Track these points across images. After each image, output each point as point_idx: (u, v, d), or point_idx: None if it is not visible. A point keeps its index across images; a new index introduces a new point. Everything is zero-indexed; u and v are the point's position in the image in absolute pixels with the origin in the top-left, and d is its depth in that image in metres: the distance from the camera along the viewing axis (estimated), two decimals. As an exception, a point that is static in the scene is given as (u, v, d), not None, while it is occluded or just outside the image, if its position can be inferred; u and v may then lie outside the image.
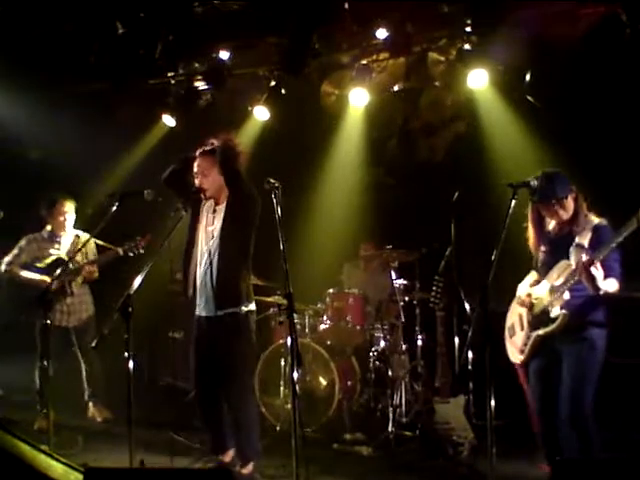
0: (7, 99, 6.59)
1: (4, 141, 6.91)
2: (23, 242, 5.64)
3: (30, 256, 5.57)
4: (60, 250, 5.63)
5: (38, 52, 6.18)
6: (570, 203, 3.73)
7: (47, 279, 5.40)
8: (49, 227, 5.67)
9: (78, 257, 5.57)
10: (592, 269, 3.43)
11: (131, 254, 5.41)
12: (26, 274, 5.51)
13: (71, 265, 5.48)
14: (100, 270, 5.60)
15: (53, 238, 5.65)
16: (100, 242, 5.66)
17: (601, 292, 3.49)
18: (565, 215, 3.75)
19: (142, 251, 5.43)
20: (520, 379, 4.02)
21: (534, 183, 3.54)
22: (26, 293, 5.43)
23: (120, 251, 5.41)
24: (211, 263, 4.20)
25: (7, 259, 5.57)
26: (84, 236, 5.69)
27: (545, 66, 5.24)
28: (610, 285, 3.53)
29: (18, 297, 5.52)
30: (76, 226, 5.78)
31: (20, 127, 6.84)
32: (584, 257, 3.47)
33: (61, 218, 5.60)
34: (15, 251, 5.60)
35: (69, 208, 5.62)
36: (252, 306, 4.28)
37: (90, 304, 5.77)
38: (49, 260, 5.56)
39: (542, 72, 5.27)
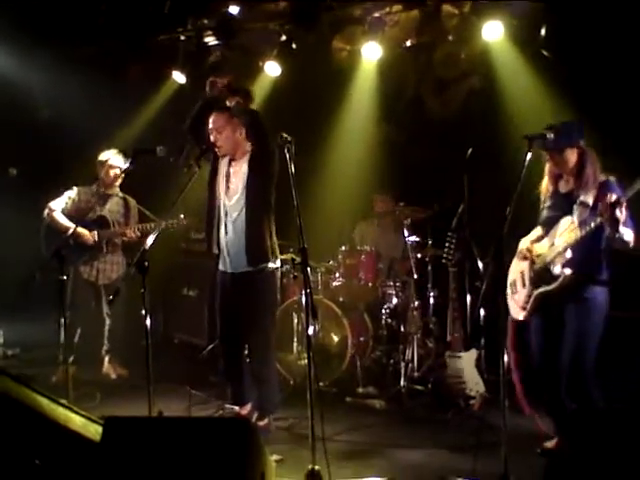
0: (18, 60, 6.57)
1: (16, 101, 6.90)
2: (72, 193, 5.68)
3: (75, 207, 5.62)
4: (105, 208, 5.67)
5: (47, 12, 6.13)
6: (572, 155, 3.64)
7: (86, 232, 5.49)
8: (98, 183, 5.69)
9: (122, 220, 5.68)
10: (617, 211, 3.25)
11: (171, 229, 5.50)
12: (65, 222, 5.52)
13: (113, 226, 5.61)
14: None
15: (100, 195, 5.69)
16: (146, 211, 5.78)
17: (617, 235, 3.34)
18: (567, 167, 3.66)
19: (176, 227, 5.54)
20: (509, 335, 4.01)
21: (550, 135, 3.48)
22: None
23: (163, 224, 5.34)
24: (236, 220, 4.23)
25: (52, 204, 5.60)
26: (131, 201, 5.81)
27: (561, 17, 5.13)
28: (627, 234, 3.40)
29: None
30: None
31: (31, 87, 6.85)
32: (611, 196, 3.28)
33: (112, 173, 5.61)
34: (63, 198, 5.63)
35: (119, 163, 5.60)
36: (278, 263, 4.33)
37: (122, 265, 5.83)
38: (92, 216, 5.62)
39: (558, 23, 5.16)
